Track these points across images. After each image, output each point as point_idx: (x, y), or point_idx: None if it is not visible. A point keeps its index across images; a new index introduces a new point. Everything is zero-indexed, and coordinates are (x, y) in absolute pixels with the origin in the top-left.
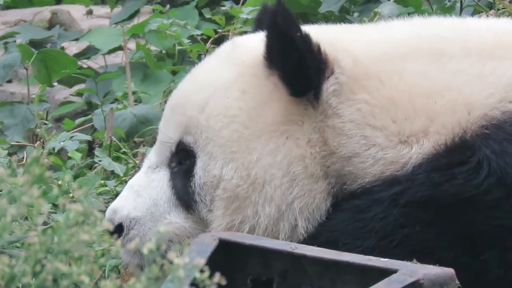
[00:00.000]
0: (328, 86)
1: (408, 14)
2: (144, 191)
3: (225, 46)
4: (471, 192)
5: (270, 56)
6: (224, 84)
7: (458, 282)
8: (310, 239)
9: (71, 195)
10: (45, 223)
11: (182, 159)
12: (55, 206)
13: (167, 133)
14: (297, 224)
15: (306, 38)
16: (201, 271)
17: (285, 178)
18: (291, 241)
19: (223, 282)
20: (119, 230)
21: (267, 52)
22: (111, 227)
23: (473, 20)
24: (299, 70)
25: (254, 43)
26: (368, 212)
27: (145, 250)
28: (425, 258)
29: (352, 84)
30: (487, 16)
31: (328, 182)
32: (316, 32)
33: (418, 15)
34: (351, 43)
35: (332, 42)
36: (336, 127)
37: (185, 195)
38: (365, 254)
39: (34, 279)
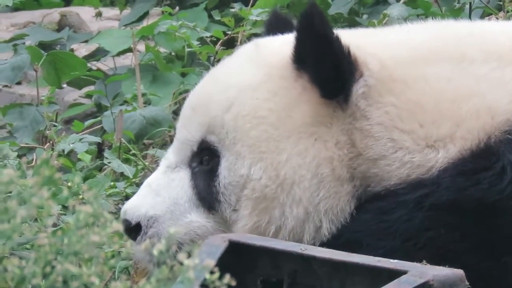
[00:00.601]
0: (358, 89)
1: (417, 16)
2: (164, 190)
3: (246, 48)
4: (495, 197)
5: (300, 57)
6: (251, 85)
7: (468, 283)
8: (332, 239)
9: (80, 196)
10: (54, 225)
11: (204, 159)
12: (64, 207)
13: (188, 132)
14: (321, 225)
15: (341, 40)
16: (211, 272)
17: (314, 180)
18: (314, 242)
19: (233, 283)
20: (136, 229)
21: (297, 53)
22: (121, 229)
23: (485, 22)
24: (332, 73)
25: (279, 45)
26: (392, 214)
27: (154, 252)
28: (448, 261)
29: (380, 87)
30: (497, 18)
31: (353, 185)
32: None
33: (427, 17)
34: (373, 47)
35: (358, 45)
36: (364, 129)
37: (208, 195)
38: (389, 255)
39: (44, 280)
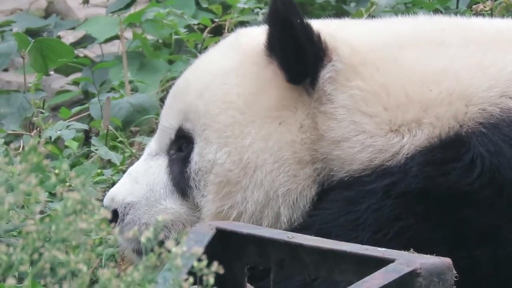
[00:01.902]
0: (325, 74)
1: (405, 4)
2: (142, 177)
3: (229, 37)
4: (464, 188)
5: (270, 43)
6: (223, 71)
7: (455, 272)
8: (301, 230)
9: (68, 183)
10: (41, 212)
11: (182, 146)
12: (51, 195)
13: (168, 120)
14: (280, 211)
15: (306, 25)
16: (199, 259)
17: (276, 164)
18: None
19: (221, 271)
20: (114, 216)
21: (268, 39)
22: (109, 216)
23: (477, 18)
24: (297, 56)
25: (257, 33)
26: (361, 204)
27: (143, 239)
28: (420, 252)
29: (348, 71)
30: (484, 6)
31: (314, 168)
32: (317, 24)
33: (415, 5)
34: (350, 34)
35: (332, 33)
36: (327, 112)
37: (181, 181)
38: None
39: (31, 267)
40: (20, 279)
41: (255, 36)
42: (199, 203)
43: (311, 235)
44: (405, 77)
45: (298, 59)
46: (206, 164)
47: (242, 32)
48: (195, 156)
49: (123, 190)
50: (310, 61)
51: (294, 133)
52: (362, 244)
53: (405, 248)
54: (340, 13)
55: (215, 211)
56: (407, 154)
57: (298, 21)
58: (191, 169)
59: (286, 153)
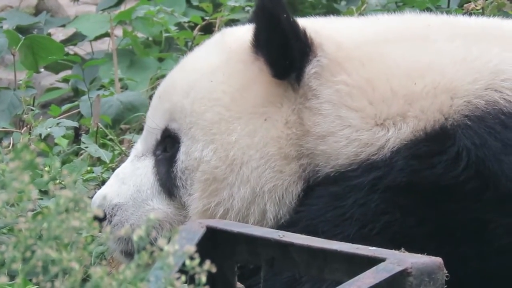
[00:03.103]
0: (310, 69)
1: (396, 3)
2: (128, 178)
3: (215, 36)
4: (449, 181)
5: (257, 40)
6: (210, 69)
7: (446, 271)
8: (288, 226)
9: (58, 181)
10: (32, 210)
11: (168, 146)
12: (41, 192)
13: (154, 121)
14: (266, 208)
15: (292, 21)
16: (191, 258)
17: (262, 160)
18: (261, 226)
19: (213, 269)
20: (102, 217)
21: (254, 36)
22: (101, 214)
23: (463, 16)
24: (283, 51)
25: (243, 32)
26: (347, 199)
27: (135, 237)
28: (406, 246)
29: (334, 66)
30: (476, 5)
31: (300, 164)
32: (303, 21)
33: (405, 4)
34: (336, 30)
35: (317, 29)
36: (313, 108)
37: (167, 181)
38: (346, 242)
39: (23, 265)
40: (12, 277)
41: (241, 34)
42: (186, 202)
43: (298, 231)
44: (390, 71)
45: (284, 54)
46: (193, 162)
47: (227, 31)
48: (181, 155)
49: (110, 191)
50: (295, 56)
51: (280, 128)
52: (349, 239)
53: (392, 242)
54: (330, 12)
55: (202, 208)
56: (392, 148)
57: (285, 16)
58: (178, 168)
59: (272, 149)
